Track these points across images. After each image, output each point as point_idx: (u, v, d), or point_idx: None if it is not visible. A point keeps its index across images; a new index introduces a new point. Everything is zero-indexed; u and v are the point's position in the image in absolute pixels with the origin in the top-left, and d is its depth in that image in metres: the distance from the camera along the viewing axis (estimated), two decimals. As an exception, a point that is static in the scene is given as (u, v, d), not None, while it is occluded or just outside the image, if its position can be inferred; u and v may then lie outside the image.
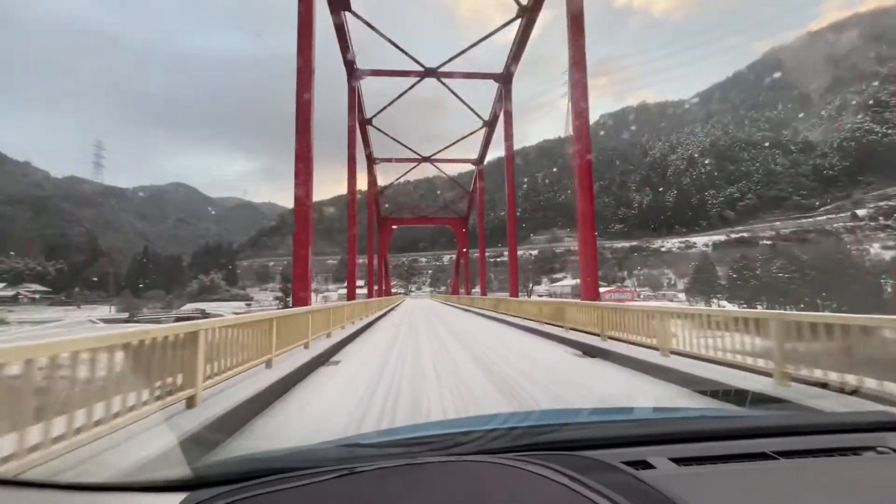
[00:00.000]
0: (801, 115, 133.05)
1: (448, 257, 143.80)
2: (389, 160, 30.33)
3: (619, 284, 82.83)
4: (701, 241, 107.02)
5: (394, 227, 41.78)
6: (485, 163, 29.16)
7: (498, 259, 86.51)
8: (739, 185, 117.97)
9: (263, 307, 56.89)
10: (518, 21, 16.80)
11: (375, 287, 36.93)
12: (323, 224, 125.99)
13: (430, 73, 20.02)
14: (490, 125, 24.91)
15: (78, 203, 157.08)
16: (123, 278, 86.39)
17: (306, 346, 7.04)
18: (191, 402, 3.27)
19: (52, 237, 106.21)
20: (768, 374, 4.10)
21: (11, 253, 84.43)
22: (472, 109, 22.86)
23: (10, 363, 1.90)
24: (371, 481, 0.76)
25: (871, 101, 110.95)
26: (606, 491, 0.67)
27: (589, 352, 7.27)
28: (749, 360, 4.34)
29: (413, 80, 20.53)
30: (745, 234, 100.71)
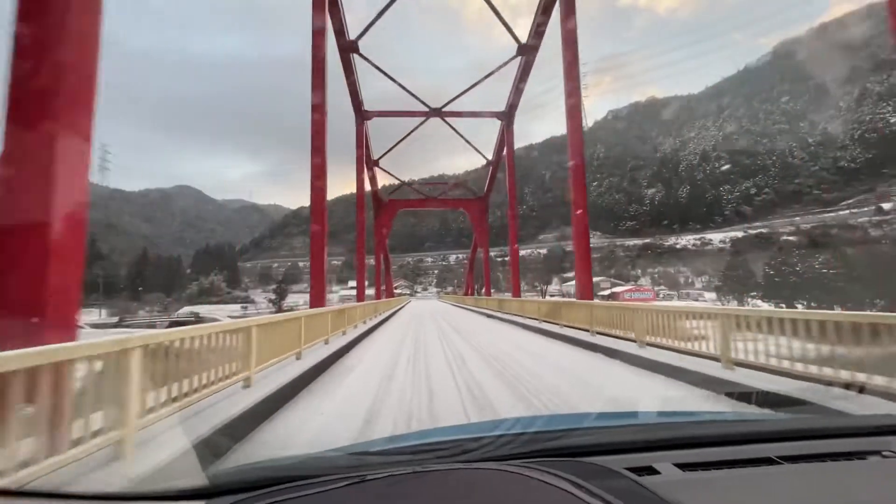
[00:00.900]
0: (817, 107, 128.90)
1: (455, 257, 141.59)
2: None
3: (635, 283, 79.43)
4: (717, 237, 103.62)
5: (398, 209, 34.10)
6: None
7: (506, 259, 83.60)
8: (756, 180, 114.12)
9: (260, 310, 54.47)
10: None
11: (373, 289, 34.36)
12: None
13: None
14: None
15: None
16: (123, 281, 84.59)
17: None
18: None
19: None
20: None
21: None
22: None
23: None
24: (381, 489, 0.78)
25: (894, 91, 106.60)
26: (610, 498, 0.69)
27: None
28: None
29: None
30: (763, 230, 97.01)
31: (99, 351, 2.33)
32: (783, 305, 35.26)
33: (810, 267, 36.39)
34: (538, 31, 15.78)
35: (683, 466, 0.87)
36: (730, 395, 4.18)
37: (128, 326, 40.51)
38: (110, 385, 2.42)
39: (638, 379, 5.33)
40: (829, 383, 3.68)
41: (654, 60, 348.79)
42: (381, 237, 34.26)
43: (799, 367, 4.06)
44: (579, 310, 9.70)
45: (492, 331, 12.42)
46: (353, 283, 60.97)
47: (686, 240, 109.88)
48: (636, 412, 1.66)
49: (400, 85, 18.57)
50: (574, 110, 11.85)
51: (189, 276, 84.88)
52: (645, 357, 5.97)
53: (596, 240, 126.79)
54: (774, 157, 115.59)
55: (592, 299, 10.57)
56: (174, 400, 3.01)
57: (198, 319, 43.76)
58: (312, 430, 3.51)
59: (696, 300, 52.47)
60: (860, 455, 0.93)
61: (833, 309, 17.29)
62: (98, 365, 2.37)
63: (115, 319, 44.89)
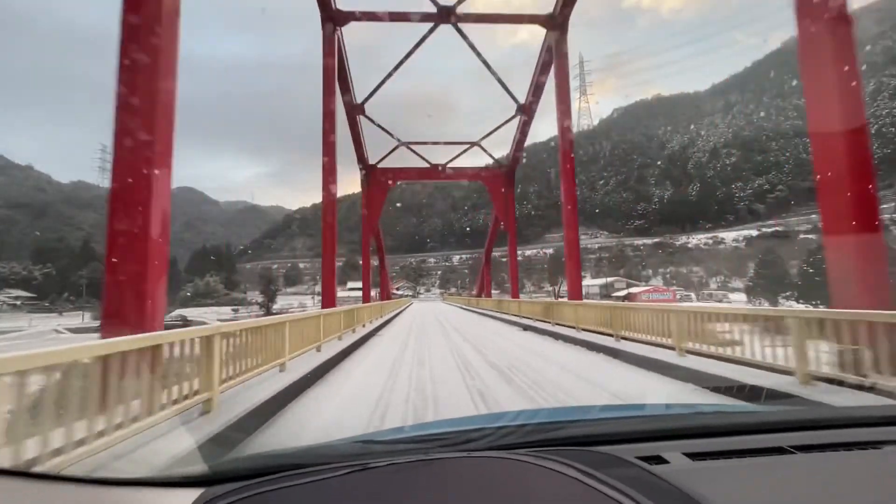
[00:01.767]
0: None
1: (458, 258, 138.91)
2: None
3: (646, 283, 76.25)
4: (730, 235, 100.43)
5: (391, 182, 25.45)
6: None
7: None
8: (768, 177, 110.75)
9: (251, 314, 51.77)
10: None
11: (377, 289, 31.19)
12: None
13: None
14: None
15: (81, 207, 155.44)
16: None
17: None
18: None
19: (49, 241, 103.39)
20: None
21: None
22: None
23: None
24: (383, 477, 0.77)
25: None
26: (620, 485, 0.67)
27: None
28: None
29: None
30: (779, 228, 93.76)
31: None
32: (822, 306, 32.26)
33: (855, 265, 33.25)
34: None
35: (693, 456, 0.85)
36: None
37: (111, 331, 37.92)
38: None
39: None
40: None
41: (658, 58, 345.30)
42: (371, 217, 24.91)
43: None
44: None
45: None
46: (351, 285, 58.25)
47: (697, 238, 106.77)
48: (642, 404, 1.65)
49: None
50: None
51: (184, 277, 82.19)
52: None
53: (603, 239, 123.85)
54: (788, 153, 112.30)
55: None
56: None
57: (185, 322, 41.15)
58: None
59: (720, 301, 49.18)
60: (874, 445, 0.90)
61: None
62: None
63: (97, 323, 42.29)
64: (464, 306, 31.93)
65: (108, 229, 4.00)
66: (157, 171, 4.08)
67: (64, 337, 38.44)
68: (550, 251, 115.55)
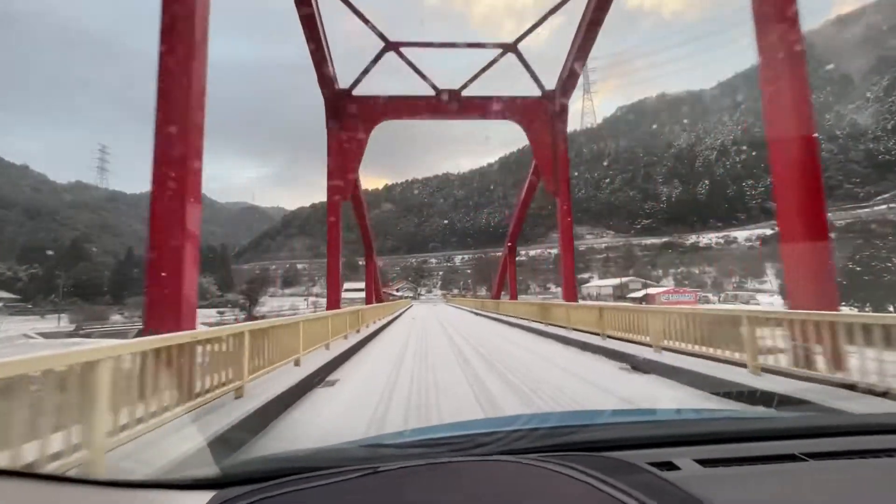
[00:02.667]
0: (840, 98, 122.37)
1: (460, 258, 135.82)
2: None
3: (658, 283, 72.89)
4: (742, 235, 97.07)
5: (372, 121, 15.58)
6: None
7: (517, 258, 77.56)
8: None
9: (236, 317, 48.61)
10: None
11: (385, 289, 27.94)
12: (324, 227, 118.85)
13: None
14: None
15: (78, 207, 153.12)
16: (107, 283, 79.16)
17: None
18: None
19: (40, 241, 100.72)
20: None
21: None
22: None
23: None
24: (394, 480, 0.77)
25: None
26: (632, 491, 0.67)
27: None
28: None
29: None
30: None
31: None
32: (870, 309, 28.86)
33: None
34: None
35: (704, 462, 0.85)
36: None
37: (86, 336, 35.25)
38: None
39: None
40: None
41: (662, 56, 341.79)
42: (346, 171, 14.73)
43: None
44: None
45: None
46: (347, 286, 55.12)
47: (708, 238, 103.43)
48: (653, 409, 1.64)
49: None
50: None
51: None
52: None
53: (610, 239, 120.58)
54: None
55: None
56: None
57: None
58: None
59: (747, 303, 45.91)
60: (889, 452, 0.88)
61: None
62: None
63: (72, 327, 39.25)
64: (478, 310, 27.32)
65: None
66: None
67: (34, 342, 35.50)
68: (555, 251, 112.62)
